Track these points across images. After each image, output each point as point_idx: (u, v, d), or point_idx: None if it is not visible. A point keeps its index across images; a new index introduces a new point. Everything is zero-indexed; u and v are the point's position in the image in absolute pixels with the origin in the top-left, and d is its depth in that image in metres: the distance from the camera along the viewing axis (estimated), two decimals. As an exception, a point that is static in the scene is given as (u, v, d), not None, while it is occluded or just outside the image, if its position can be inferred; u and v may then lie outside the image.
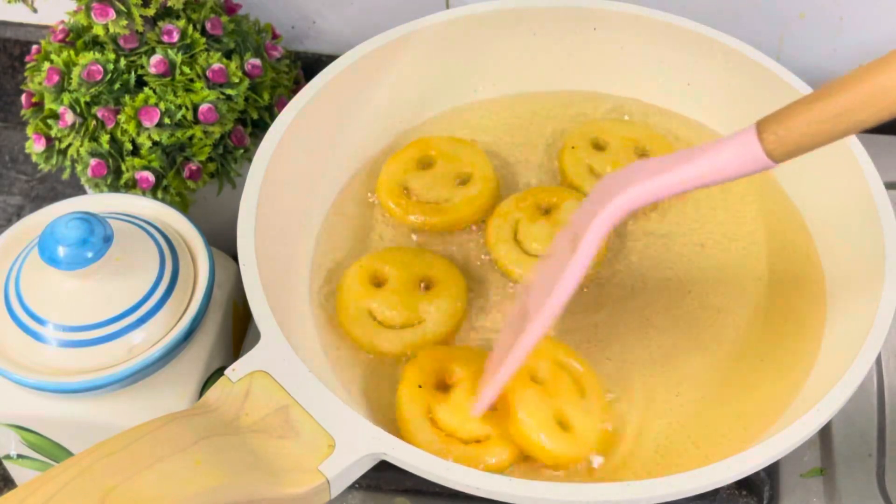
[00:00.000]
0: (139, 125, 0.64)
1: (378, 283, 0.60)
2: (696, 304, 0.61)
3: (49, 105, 0.66)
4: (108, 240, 0.55)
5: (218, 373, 0.59)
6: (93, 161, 0.65)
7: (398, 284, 0.60)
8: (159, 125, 0.64)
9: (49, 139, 0.67)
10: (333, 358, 0.59)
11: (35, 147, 0.67)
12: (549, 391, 0.54)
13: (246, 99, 0.68)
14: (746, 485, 0.58)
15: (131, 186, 0.65)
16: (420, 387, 0.55)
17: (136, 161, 0.65)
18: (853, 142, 0.61)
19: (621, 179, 0.50)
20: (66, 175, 0.68)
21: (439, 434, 0.54)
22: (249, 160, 0.62)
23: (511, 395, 0.54)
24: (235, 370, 0.51)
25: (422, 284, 0.60)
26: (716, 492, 0.57)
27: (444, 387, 0.56)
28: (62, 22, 0.68)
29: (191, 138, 0.65)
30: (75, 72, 0.64)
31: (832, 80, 0.45)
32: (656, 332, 0.60)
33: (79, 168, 0.66)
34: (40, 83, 0.67)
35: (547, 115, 0.70)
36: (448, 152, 0.66)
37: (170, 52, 0.65)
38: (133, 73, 0.65)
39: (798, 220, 0.64)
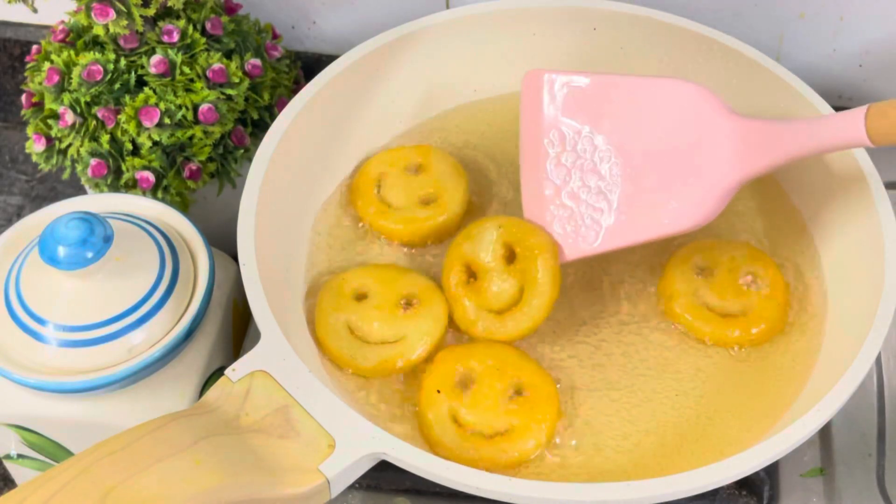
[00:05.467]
0: (139, 125, 0.64)
1: (359, 297, 0.60)
2: (696, 304, 0.61)
3: (49, 105, 0.66)
4: (108, 240, 0.55)
5: (218, 373, 0.59)
6: (93, 161, 0.65)
7: (380, 301, 0.59)
8: (159, 125, 0.64)
9: (49, 139, 0.67)
10: (333, 358, 0.59)
11: (35, 147, 0.67)
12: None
13: (246, 99, 0.68)
14: (746, 485, 0.58)
15: (131, 186, 0.66)
16: (438, 391, 0.55)
17: (137, 161, 0.65)
18: (853, 142, 0.61)
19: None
20: (66, 175, 0.68)
21: (463, 434, 0.54)
22: (249, 160, 0.62)
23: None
24: (235, 370, 0.51)
25: (403, 303, 0.60)
26: (716, 492, 0.57)
27: (464, 384, 0.56)
28: (62, 22, 0.68)
29: (191, 138, 0.65)
30: (75, 72, 0.64)
31: None
32: (655, 331, 0.60)
33: (79, 168, 0.66)
34: (40, 83, 0.67)
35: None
36: (433, 165, 0.66)
37: (170, 52, 0.65)
38: (133, 73, 0.65)
39: (798, 220, 0.64)
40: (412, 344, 0.58)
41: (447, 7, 0.75)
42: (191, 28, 0.66)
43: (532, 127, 0.60)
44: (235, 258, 0.57)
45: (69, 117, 0.65)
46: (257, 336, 0.53)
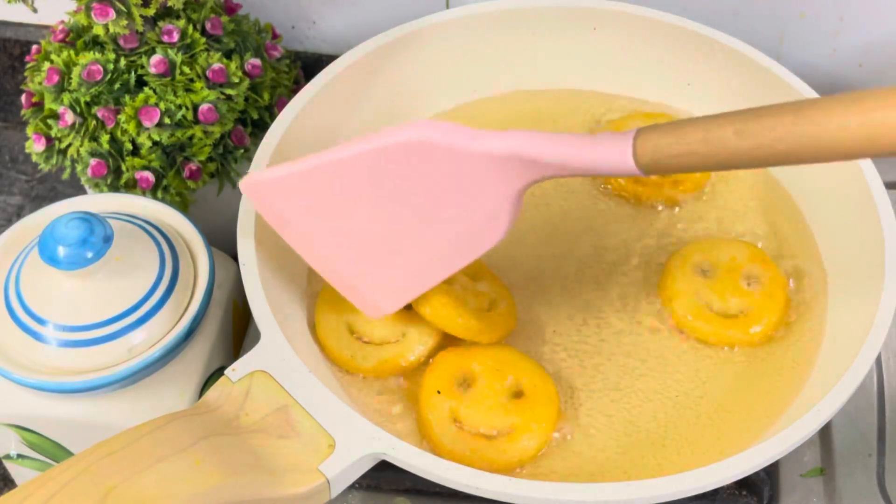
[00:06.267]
0: (139, 125, 0.64)
1: None
2: (696, 304, 0.61)
3: (49, 105, 0.66)
4: (108, 240, 0.55)
5: (218, 373, 0.59)
6: (93, 161, 0.65)
7: None
8: (159, 125, 0.64)
9: (49, 139, 0.67)
10: (333, 358, 0.59)
11: (35, 147, 0.67)
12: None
13: (246, 99, 0.68)
14: (746, 485, 0.58)
15: (131, 186, 0.66)
16: (439, 392, 0.55)
17: (136, 161, 0.65)
18: (853, 142, 0.61)
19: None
20: (66, 175, 0.68)
21: (463, 434, 0.54)
22: (249, 160, 0.62)
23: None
24: (235, 370, 0.51)
25: None
26: (716, 492, 0.57)
27: (464, 384, 0.56)
28: (62, 22, 0.68)
29: (191, 138, 0.65)
30: (75, 72, 0.64)
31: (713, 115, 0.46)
32: (655, 332, 0.60)
33: (79, 168, 0.66)
34: (40, 83, 0.67)
35: (546, 115, 0.70)
36: None
37: (170, 52, 0.65)
38: (133, 73, 0.65)
39: (799, 220, 0.64)
40: (412, 344, 0.58)
41: (447, 7, 0.75)
42: (191, 28, 0.66)
43: (287, 224, 0.56)
44: (235, 258, 0.57)
45: (69, 117, 0.65)
46: (257, 336, 0.53)
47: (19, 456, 0.60)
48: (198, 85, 0.65)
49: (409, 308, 0.59)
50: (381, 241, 0.54)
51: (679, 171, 0.47)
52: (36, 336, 0.55)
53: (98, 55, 0.65)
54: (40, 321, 0.55)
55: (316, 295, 0.61)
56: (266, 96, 0.69)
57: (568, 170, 0.49)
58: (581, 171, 0.48)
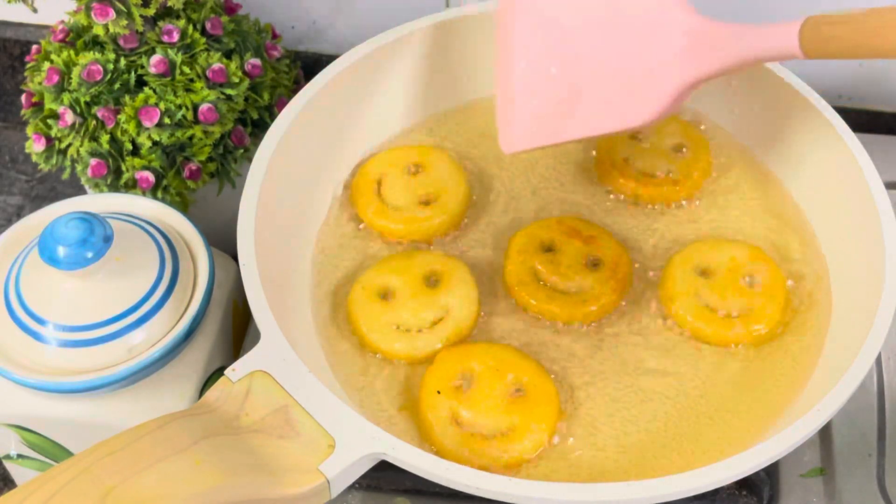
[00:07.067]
0: (139, 125, 0.64)
1: (385, 295, 0.60)
2: (696, 304, 0.61)
3: (49, 105, 0.66)
4: (108, 240, 0.55)
5: (218, 373, 0.59)
6: (93, 161, 0.65)
7: (411, 290, 0.60)
8: (159, 125, 0.64)
9: (49, 139, 0.67)
10: (334, 357, 0.59)
11: (35, 147, 0.67)
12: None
13: (246, 99, 0.68)
14: (746, 485, 0.58)
15: (131, 186, 0.66)
16: (438, 392, 0.56)
17: (136, 161, 0.65)
18: (853, 142, 0.61)
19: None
20: (66, 175, 0.68)
21: (463, 434, 0.54)
22: (249, 160, 0.62)
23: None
24: (235, 370, 0.51)
25: (430, 281, 0.60)
26: (716, 492, 0.57)
27: (464, 384, 0.56)
28: (62, 22, 0.68)
29: (191, 138, 0.65)
30: (75, 72, 0.64)
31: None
32: (656, 332, 0.60)
33: (79, 168, 0.66)
34: (40, 83, 0.67)
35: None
36: (433, 165, 0.66)
37: (170, 52, 0.65)
38: (133, 73, 0.65)
39: (799, 220, 0.64)
40: (458, 311, 0.59)
41: (447, 7, 0.75)
42: (191, 28, 0.66)
43: (505, 25, 0.60)
44: (235, 258, 0.57)
45: (69, 117, 0.65)
46: (257, 336, 0.53)
47: (19, 456, 0.60)
48: (198, 85, 0.65)
49: (436, 284, 0.60)
50: (553, 71, 0.58)
51: (834, 54, 0.51)
52: (36, 336, 0.55)
53: (98, 55, 0.65)
54: (40, 321, 0.55)
55: (320, 293, 0.61)
56: (266, 96, 0.69)
57: (743, 54, 0.53)
58: (755, 56, 0.53)
